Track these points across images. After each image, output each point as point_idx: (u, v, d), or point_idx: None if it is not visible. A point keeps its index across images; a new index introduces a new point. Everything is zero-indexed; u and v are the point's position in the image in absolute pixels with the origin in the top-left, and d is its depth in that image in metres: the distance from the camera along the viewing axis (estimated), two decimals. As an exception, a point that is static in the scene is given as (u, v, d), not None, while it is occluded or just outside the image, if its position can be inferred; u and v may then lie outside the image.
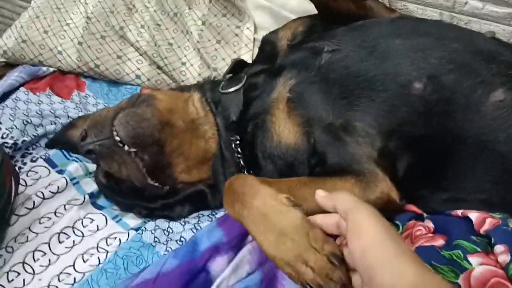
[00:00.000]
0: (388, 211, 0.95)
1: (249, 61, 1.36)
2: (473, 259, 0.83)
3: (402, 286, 0.58)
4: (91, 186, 1.19)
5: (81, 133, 1.04)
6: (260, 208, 0.78)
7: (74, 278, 0.98)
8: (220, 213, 1.12)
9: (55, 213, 1.11)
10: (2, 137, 1.20)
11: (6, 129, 1.24)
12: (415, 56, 0.96)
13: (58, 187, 1.13)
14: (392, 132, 0.95)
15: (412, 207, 0.99)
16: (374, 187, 0.92)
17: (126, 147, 0.98)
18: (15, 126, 1.26)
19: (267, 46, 1.28)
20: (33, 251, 1.02)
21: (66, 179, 1.16)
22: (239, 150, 1.11)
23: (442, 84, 0.93)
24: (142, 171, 1.01)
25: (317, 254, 0.72)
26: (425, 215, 0.97)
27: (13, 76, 1.46)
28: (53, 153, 1.24)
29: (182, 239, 1.05)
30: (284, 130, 1.02)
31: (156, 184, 1.05)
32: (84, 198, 1.14)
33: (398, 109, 0.95)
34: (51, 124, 1.33)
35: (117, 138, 0.98)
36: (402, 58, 0.97)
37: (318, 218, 0.76)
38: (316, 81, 1.03)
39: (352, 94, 0.98)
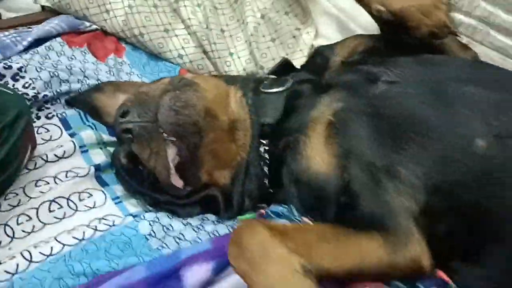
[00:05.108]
0: (413, 277, 0.86)
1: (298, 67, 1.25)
2: None
3: None
4: (99, 157, 1.11)
5: (122, 109, 0.98)
6: (270, 277, 0.74)
7: (51, 248, 0.89)
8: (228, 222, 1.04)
9: (54, 178, 1.03)
10: (24, 87, 1.13)
11: (30, 78, 1.16)
12: (487, 110, 0.85)
13: (64, 152, 1.05)
14: (440, 189, 0.84)
15: (440, 273, 0.88)
16: (405, 250, 0.82)
17: (165, 135, 0.93)
18: (40, 77, 1.17)
19: (319, 58, 1.17)
20: (19, 215, 0.94)
21: (74, 144, 1.08)
22: (267, 156, 1.02)
23: (508, 147, 0.82)
24: (170, 165, 0.94)
25: None
26: (453, 285, 0.87)
27: (52, 24, 1.37)
28: (70, 113, 1.16)
29: (181, 236, 0.97)
30: (316, 157, 0.92)
31: (177, 184, 0.98)
32: (89, 169, 1.05)
33: (452, 165, 0.84)
34: (78, 82, 1.24)
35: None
36: (471, 109, 0.85)
37: None
38: (365, 112, 0.92)
39: (403, 136, 0.87)
